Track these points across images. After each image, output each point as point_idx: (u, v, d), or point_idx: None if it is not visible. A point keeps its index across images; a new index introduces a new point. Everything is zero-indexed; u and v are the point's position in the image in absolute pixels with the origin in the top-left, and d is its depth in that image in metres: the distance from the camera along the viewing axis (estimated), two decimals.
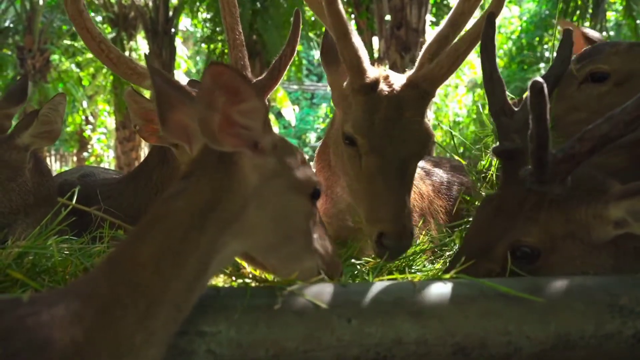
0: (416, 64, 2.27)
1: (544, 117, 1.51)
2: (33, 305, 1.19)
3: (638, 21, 12.86)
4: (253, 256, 1.38)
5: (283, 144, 1.38)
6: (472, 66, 17.58)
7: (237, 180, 1.28)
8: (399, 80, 2.17)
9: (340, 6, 2.05)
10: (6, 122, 2.73)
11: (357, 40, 2.09)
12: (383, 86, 2.13)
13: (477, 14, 2.30)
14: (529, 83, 1.49)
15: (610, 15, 16.13)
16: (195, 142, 1.37)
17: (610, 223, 1.60)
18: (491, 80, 1.82)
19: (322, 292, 1.38)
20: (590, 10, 12.12)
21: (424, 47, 2.29)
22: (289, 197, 1.36)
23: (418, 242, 2.44)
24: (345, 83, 2.21)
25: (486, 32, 1.87)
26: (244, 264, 1.52)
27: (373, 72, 2.13)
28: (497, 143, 1.88)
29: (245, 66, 2.81)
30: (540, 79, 1.48)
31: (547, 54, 16.05)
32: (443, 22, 2.29)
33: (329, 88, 2.35)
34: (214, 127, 1.23)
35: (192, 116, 1.34)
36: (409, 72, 2.26)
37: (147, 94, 2.89)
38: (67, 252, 1.81)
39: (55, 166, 20.87)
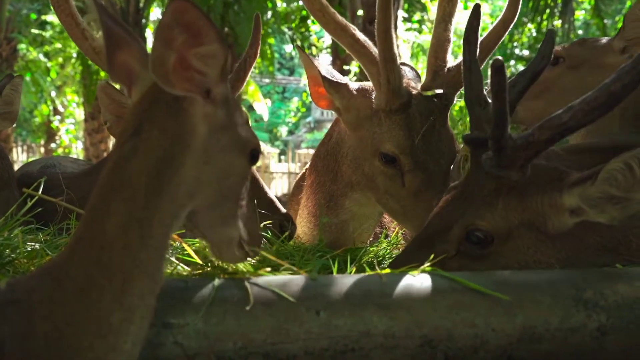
0: (426, 72, 2.28)
1: (503, 96, 1.53)
2: (11, 292, 1.18)
3: (606, 20, 13.06)
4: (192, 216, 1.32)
5: (232, 98, 1.33)
6: None
7: (187, 131, 1.22)
8: (419, 91, 2.19)
9: (393, 31, 2.06)
10: None
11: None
12: (413, 101, 2.15)
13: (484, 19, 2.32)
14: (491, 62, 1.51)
15: (579, 14, 16.34)
16: (137, 86, 1.28)
17: (565, 211, 1.61)
18: (470, 70, 1.85)
19: (291, 284, 1.38)
20: (559, 9, 12.25)
21: (429, 56, 2.29)
22: (232, 154, 1.30)
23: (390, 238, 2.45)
24: (371, 103, 2.20)
25: (470, 23, 1.89)
26: (210, 254, 1.49)
27: (405, 89, 2.14)
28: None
29: None
30: (500, 58, 1.50)
31: (517, 51, 16.20)
32: (435, 27, 2.30)
33: (302, 82, 2.34)
34: (168, 67, 1.17)
35: (137, 58, 1.28)
36: (409, 79, 2.27)
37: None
38: (33, 244, 1.78)
39: (22, 157, 20.54)
